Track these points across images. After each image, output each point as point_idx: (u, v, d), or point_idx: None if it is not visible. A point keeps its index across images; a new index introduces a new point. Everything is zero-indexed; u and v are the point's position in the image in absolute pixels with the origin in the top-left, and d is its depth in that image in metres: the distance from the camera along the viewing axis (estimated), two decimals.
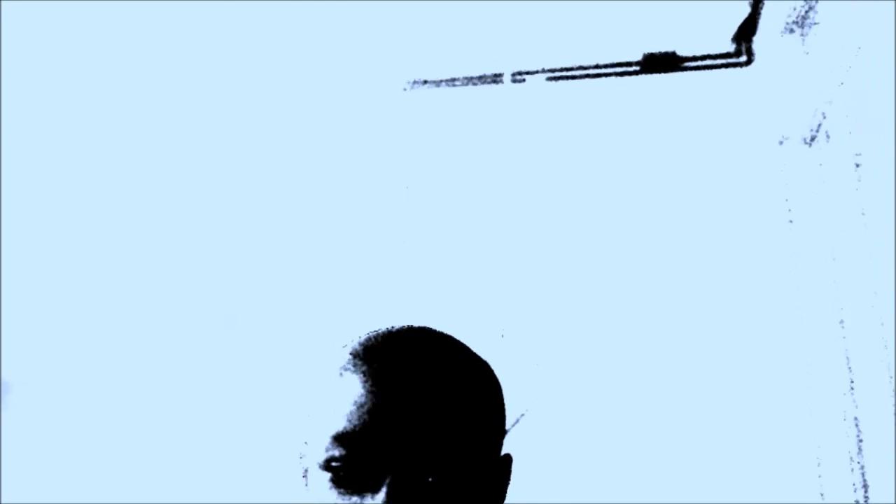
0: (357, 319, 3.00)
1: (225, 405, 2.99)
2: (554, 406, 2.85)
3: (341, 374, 0.87)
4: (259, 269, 3.09)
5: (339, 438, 0.83)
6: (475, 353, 0.92)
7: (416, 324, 0.94)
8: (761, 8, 2.87)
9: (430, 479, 0.83)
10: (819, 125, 2.66)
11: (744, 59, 3.05)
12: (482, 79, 3.13)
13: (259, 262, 3.09)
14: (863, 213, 2.30)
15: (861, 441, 2.49)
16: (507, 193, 3.05)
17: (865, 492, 2.44)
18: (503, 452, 1.14)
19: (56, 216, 3.19)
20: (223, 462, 2.95)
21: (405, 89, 3.15)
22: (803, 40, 2.61)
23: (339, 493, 0.84)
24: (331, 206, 3.10)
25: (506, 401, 2.83)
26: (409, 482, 0.82)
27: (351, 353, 0.88)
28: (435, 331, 0.91)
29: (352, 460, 0.83)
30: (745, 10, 2.91)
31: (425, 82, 3.14)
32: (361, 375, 0.85)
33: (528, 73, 3.13)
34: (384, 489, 0.81)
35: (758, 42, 2.98)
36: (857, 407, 2.52)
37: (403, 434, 0.82)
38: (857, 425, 2.52)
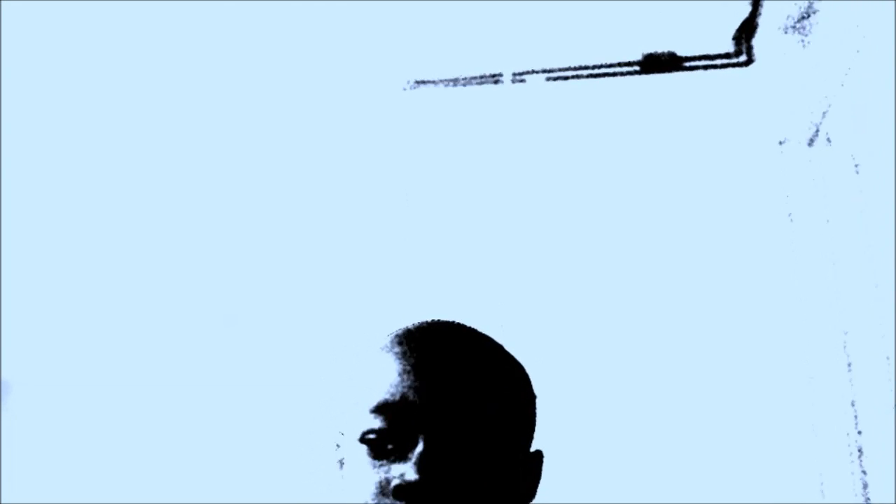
0: (357, 320, 3.00)
1: (226, 406, 2.99)
2: (553, 406, 2.85)
3: (377, 358, 0.88)
4: (257, 269, 3.09)
5: (377, 409, 0.84)
6: (506, 349, 0.95)
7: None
8: (761, 8, 2.87)
9: (462, 448, 0.84)
10: (819, 126, 2.66)
11: (744, 59, 3.05)
12: (482, 79, 3.13)
13: (258, 262, 3.09)
14: (863, 214, 2.30)
15: (861, 442, 2.49)
16: (506, 193, 3.05)
17: (865, 492, 2.44)
18: (533, 449, 1.17)
19: (56, 216, 3.19)
20: (224, 462, 2.95)
21: (405, 89, 3.15)
22: (803, 40, 2.61)
23: (375, 464, 0.84)
24: (330, 207, 3.10)
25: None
26: (440, 448, 0.83)
27: (386, 340, 0.90)
28: (465, 325, 0.94)
29: (389, 429, 0.84)
30: (745, 10, 2.91)
31: (425, 82, 3.14)
32: (397, 356, 0.87)
33: (528, 73, 3.13)
34: (417, 450, 0.82)
35: (758, 42, 2.98)
36: (856, 407, 2.52)
37: (439, 403, 0.83)
38: (857, 427, 2.53)
